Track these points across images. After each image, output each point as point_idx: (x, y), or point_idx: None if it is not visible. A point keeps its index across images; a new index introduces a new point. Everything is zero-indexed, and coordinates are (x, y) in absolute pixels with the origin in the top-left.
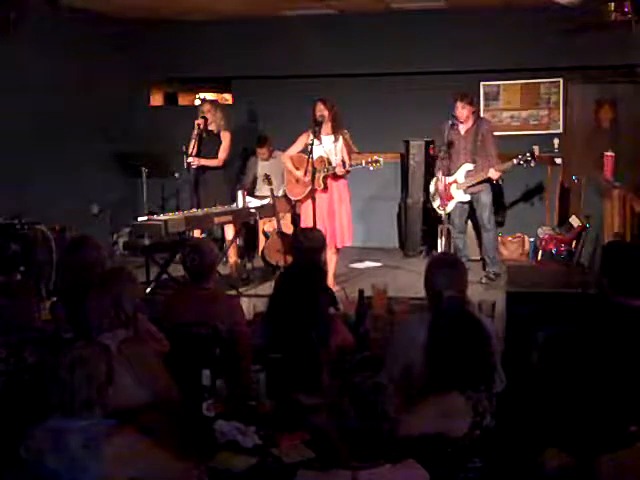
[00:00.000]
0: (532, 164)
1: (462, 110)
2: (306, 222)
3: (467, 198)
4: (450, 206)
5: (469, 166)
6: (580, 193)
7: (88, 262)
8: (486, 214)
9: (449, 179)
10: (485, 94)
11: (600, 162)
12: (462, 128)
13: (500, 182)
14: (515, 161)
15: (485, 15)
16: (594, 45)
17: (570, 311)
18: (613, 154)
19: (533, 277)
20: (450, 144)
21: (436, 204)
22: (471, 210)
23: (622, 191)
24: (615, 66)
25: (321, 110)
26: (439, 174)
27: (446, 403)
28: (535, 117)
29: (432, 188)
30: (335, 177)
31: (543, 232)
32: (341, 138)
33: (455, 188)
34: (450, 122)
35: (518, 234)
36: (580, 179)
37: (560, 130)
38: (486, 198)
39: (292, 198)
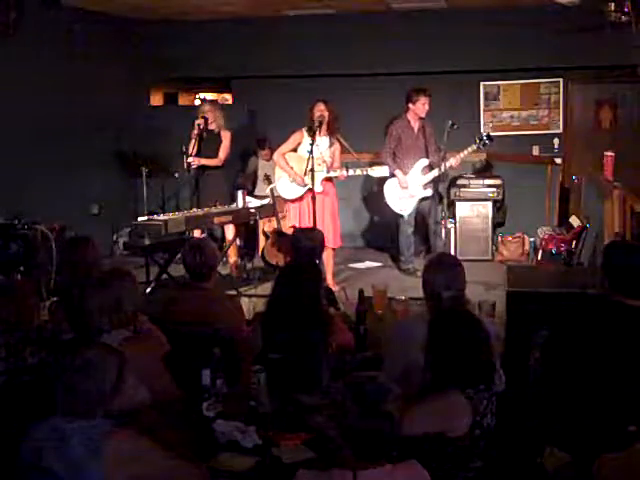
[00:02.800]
0: (488, 144)
1: (428, 105)
2: (295, 222)
3: (429, 193)
4: (412, 206)
5: (425, 161)
6: (580, 193)
7: (84, 262)
8: (438, 208)
9: (407, 178)
10: (485, 94)
11: (600, 162)
12: (414, 126)
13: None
14: (475, 146)
15: (485, 15)
16: (594, 45)
17: (570, 311)
18: (613, 154)
19: (533, 277)
20: (403, 142)
21: (397, 207)
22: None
23: (622, 191)
24: (615, 66)
25: (322, 111)
26: (399, 174)
27: (446, 403)
28: (535, 117)
29: (390, 191)
30: (328, 179)
31: (543, 232)
32: (336, 143)
33: (416, 186)
34: (452, 125)
35: (518, 234)
36: (580, 179)
37: (560, 130)
38: (436, 194)
39: (285, 197)
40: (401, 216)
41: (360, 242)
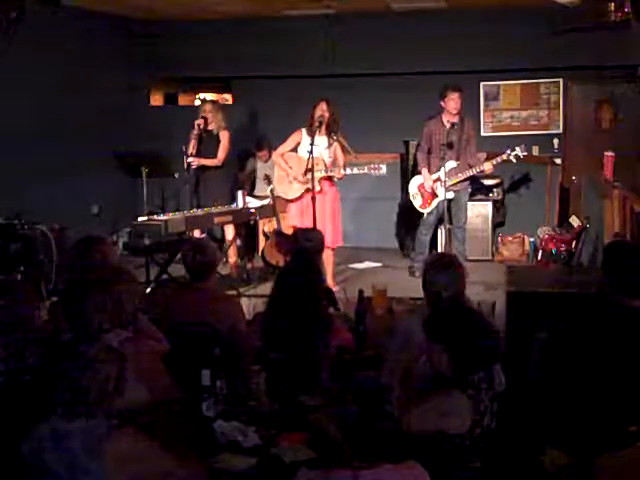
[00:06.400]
0: (521, 157)
1: (459, 101)
2: (295, 222)
3: (451, 196)
4: (433, 205)
5: (453, 163)
6: (580, 193)
7: (99, 260)
8: (463, 213)
9: (432, 177)
10: (485, 94)
11: (600, 162)
12: (448, 125)
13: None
14: (505, 156)
15: (485, 15)
16: (594, 45)
17: (570, 311)
18: (613, 154)
19: (533, 277)
20: (433, 141)
21: (417, 203)
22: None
23: (622, 191)
24: (615, 66)
25: (323, 110)
26: (425, 172)
27: (446, 402)
28: (535, 117)
29: (413, 187)
30: (328, 179)
31: (543, 232)
32: (335, 143)
33: (439, 186)
34: (453, 125)
35: (518, 234)
36: (580, 179)
37: (560, 130)
38: (465, 198)
39: (284, 197)
40: (421, 214)
41: (360, 242)
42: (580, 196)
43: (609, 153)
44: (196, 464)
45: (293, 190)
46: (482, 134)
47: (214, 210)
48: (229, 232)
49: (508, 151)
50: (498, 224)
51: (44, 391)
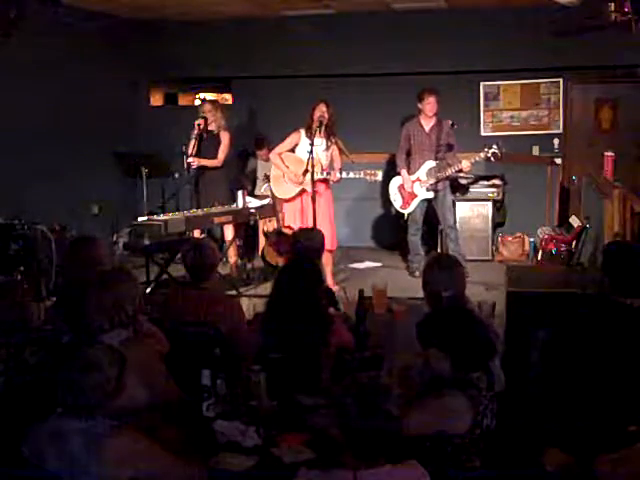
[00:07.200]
0: (498, 155)
1: (435, 104)
2: (290, 222)
3: (430, 195)
4: (413, 205)
5: (432, 163)
6: (580, 193)
7: (92, 261)
8: (450, 213)
9: (412, 177)
10: (485, 94)
11: (600, 162)
12: (427, 126)
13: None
14: (482, 154)
15: (485, 15)
16: (594, 45)
17: (570, 311)
18: (613, 154)
19: (533, 277)
20: (412, 142)
21: (397, 204)
22: (428, 209)
23: (622, 191)
24: (615, 66)
25: (323, 112)
26: (404, 173)
27: (446, 402)
28: (535, 117)
29: (393, 188)
30: (324, 181)
31: (543, 232)
32: (333, 146)
33: (418, 186)
34: (452, 125)
35: (518, 234)
36: (580, 179)
37: (560, 130)
38: (449, 197)
39: (279, 196)
40: (402, 215)
41: (360, 242)
42: (580, 196)
43: (609, 153)
44: (196, 464)
45: (289, 190)
46: (482, 134)
47: (214, 210)
48: (229, 232)
49: (485, 149)
50: (498, 224)
51: (44, 391)
